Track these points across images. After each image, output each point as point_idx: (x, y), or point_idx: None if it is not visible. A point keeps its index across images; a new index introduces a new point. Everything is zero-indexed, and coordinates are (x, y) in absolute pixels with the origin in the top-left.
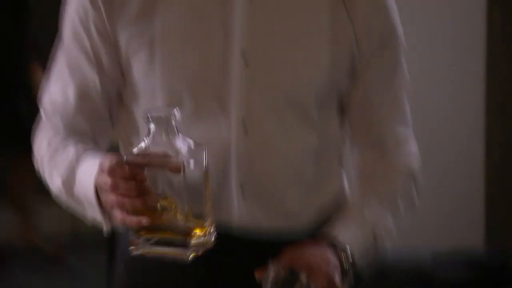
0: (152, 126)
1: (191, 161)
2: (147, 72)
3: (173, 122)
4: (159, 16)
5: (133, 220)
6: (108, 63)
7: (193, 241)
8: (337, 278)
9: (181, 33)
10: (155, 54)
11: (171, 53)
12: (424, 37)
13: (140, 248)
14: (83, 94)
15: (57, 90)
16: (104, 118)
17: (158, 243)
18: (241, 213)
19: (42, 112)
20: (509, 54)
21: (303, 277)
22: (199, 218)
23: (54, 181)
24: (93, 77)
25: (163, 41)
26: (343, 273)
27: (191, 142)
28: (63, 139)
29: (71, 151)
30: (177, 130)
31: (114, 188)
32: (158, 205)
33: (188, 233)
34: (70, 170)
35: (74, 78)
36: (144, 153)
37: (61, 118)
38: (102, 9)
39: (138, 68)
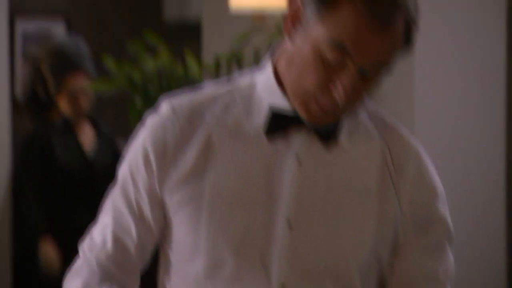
0: None
1: None
2: (192, 230)
3: None
4: (209, 178)
5: None
6: (150, 218)
7: None
8: None
9: (229, 196)
10: (201, 214)
11: (218, 215)
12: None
13: None
14: (119, 242)
15: (98, 233)
16: (136, 267)
17: None
18: None
19: (80, 252)
20: None
21: None
22: None
23: None
24: (132, 228)
25: (211, 203)
26: None
27: None
28: (98, 285)
29: None
30: None
31: None
32: None
33: None
34: None
35: (115, 225)
36: None
37: (96, 260)
38: (155, 170)
39: (182, 225)
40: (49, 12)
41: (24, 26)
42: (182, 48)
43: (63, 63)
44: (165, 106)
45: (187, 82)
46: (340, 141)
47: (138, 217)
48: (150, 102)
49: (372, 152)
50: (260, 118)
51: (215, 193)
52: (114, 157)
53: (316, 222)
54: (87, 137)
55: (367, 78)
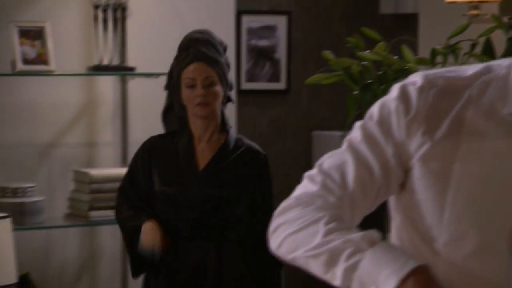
0: None
1: None
2: (436, 200)
3: None
4: (459, 154)
5: None
6: (394, 172)
7: None
8: None
9: (481, 174)
10: (448, 188)
11: (467, 190)
12: None
13: None
14: (362, 186)
15: (334, 169)
16: (365, 213)
17: None
18: None
19: (307, 181)
20: None
21: None
22: None
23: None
24: (376, 177)
25: (460, 177)
26: None
27: None
28: (336, 217)
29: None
30: None
31: None
32: None
33: None
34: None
35: (360, 170)
36: None
37: (333, 195)
38: (404, 132)
39: (425, 193)
40: (273, 11)
41: (249, 22)
42: (398, 40)
43: (180, 55)
44: (420, 78)
45: (404, 73)
46: None
47: (384, 168)
48: (368, 93)
49: None
50: None
51: (465, 169)
52: (237, 186)
53: None
54: (206, 151)
55: None
